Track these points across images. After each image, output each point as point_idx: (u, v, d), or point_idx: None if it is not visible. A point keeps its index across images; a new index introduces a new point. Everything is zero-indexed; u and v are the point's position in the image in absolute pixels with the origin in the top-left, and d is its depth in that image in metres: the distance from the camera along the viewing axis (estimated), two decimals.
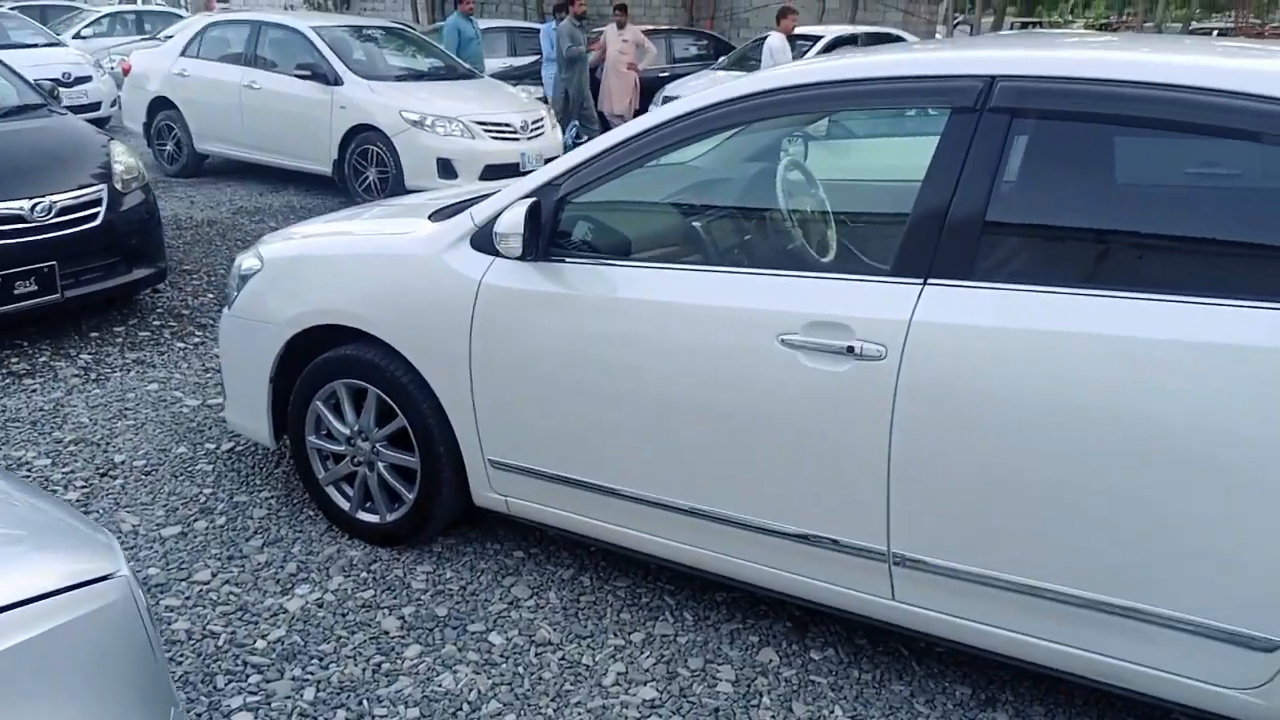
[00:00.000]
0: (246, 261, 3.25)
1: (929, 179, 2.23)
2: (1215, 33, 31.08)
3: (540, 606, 2.80)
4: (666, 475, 2.53)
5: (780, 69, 2.54)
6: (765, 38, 12.02)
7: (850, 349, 2.21)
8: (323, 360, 3.03)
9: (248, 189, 9.00)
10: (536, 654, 2.59)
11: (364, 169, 8.31)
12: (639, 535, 2.63)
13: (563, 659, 2.57)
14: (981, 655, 2.30)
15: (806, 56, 12.30)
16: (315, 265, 3.05)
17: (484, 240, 2.71)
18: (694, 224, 2.90)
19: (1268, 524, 1.86)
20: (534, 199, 2.58)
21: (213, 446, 3.74)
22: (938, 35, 24.07)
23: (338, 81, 8.33)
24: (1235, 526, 1.89)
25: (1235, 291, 1.90)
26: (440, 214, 3.03)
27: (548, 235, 2.61)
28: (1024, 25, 30.87)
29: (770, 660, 2.58)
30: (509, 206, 2.59)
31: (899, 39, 13.51)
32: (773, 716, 2.37)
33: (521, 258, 2.58)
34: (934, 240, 2.18)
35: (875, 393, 2.20)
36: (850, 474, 2.26)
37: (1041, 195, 2.25)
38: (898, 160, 3.40)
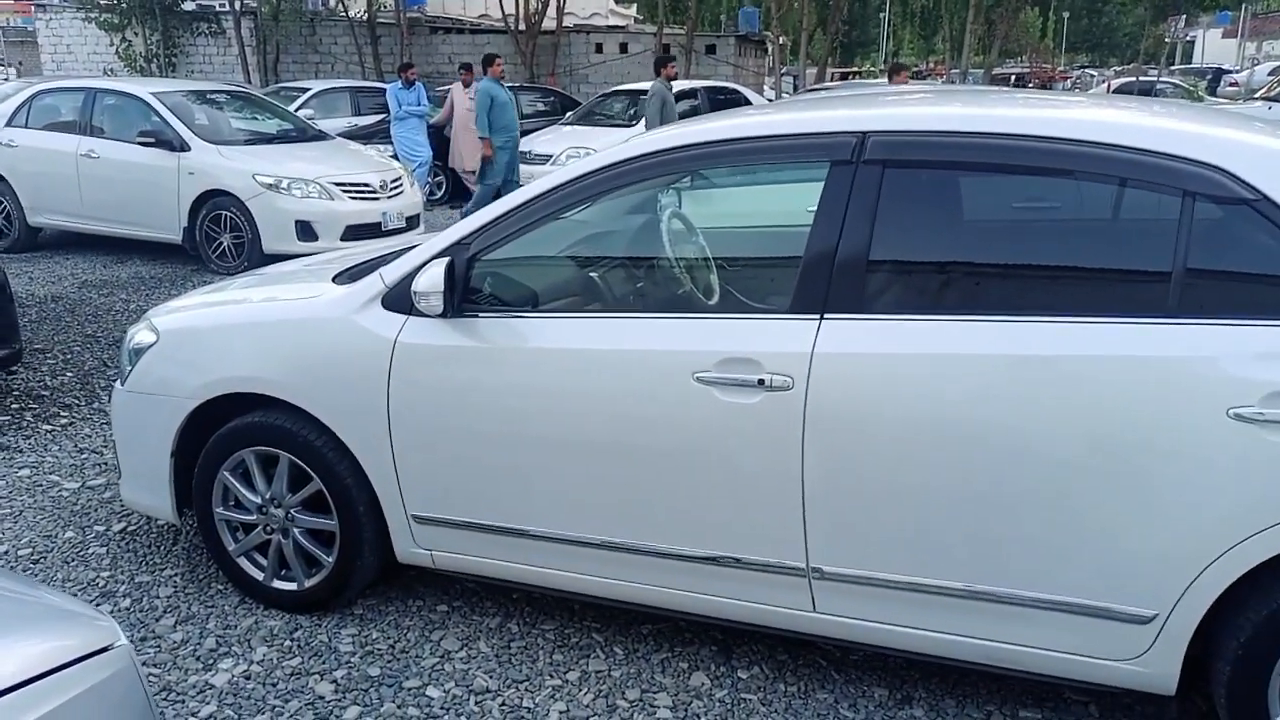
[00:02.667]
0: (139, 335, 3.19)
1: (817, 225, 2.46)
2: (1013, 77, 33.91)
3: (472, 656, 2.84)
4: (594, 515, 2.64)
5: (677, 127, 2.75)
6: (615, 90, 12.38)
7: (761, 381, 2.40)
8: (229, 430, 3.01)
9: (89, 262, 8.59)
10: (477, 702, 2.64)
11: (217, 235, 8.10)
12: (572, 576, 2.73)
13: (503, 704, 2.63)
14: (896, 656, 2.52)
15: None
16: (218, 334, 3.03)
17: (396, 300, 2.78)
18: (595, 274, 3.06)
19: (1136, 513, 2.14)
20: (449, 258, 2.68)
21: (102, 529, 3.60)
22: (765, 87, 25.32)
23: (184, 147, 8.11)
24: (1109, 517, 2.17)
25: (1096, 309, 2.20)
26: (345, 276, 3.08)
27: (460, 292, 2.71)
28: (844, 76, 32.90)
29: (702, 684, 2.71)
30: (425, 266, 2.68)
31: (736, 92, 14.19)
32: None
33: (442, 315, 2.67)
34: (826, 279, 2.41)
35: (786, 420, 2.39)
36: (769, 496, 2.45)
37: (914, 234, 2.51)
38: (763, 206, 3.68)
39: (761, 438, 2.43)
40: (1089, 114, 2.40)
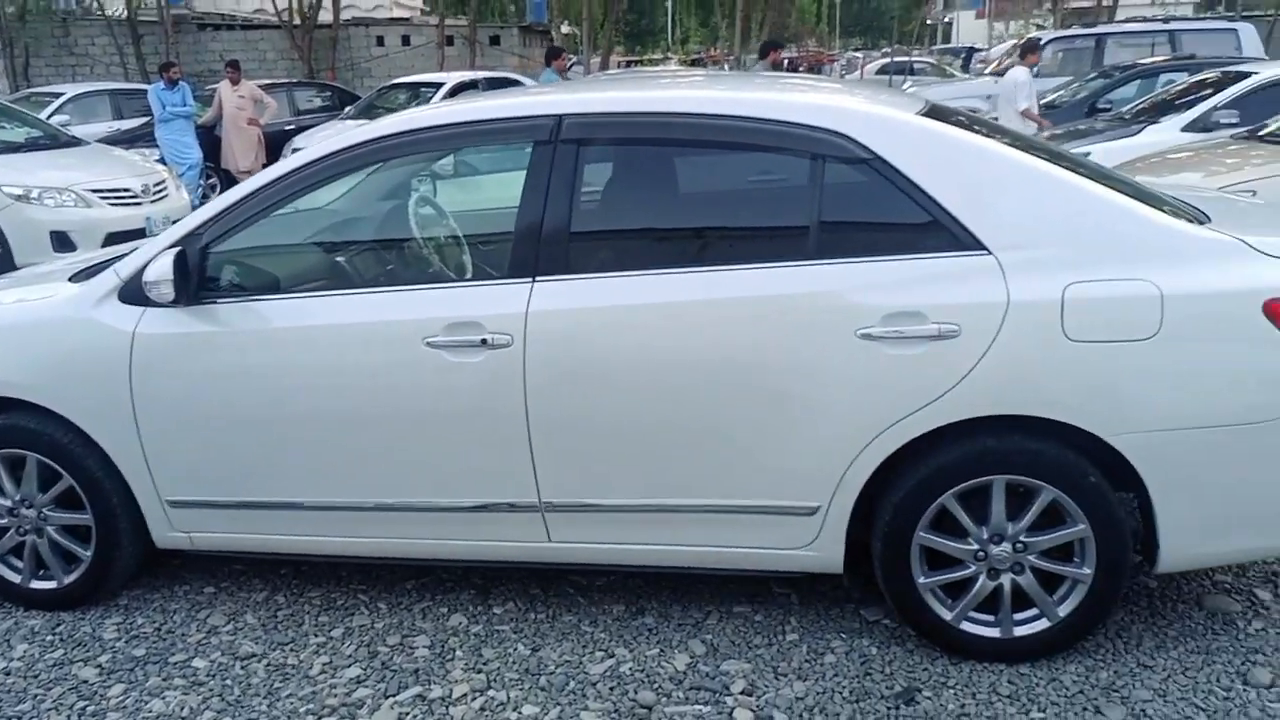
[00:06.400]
0: None
1: (525, 199, 2.76)
2: (785, 61, 35.60)
3: (239, 629, 2.98)
4: (344, 481, 2.84)
5: (402, 115, 2.96)
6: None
7: (484, 341, 2.67)
8: None
9: None
10: (242, 666, 2.79)
11: None
12: (329, 540, 2.92)
13: (268, 665, 2.80)
14: (629, 572, 2.85)
15: (431, 101, 12.79)
16: None
17: (133, 293, 2.87)
18: (336, 257, 3.24)
19: (795, 425, 2.55)
20: (179, 248, 2.79)
21: None
22: None
23: None
24: (775, 430, 2.57)
25: (754, 258, 2.59)
26: (81, 275, 3.12)
27: (196, 280, 2.82)
28: (628, 64, 33.69)
29: (460, 623, 2.97)
30: (155, 257, 2.78)
31: (517, 82, 14.38)
32: (466, 663, 2.77)
33: (174, 303, 2.78)
34: (535, 247, 2.71)
35: (509, 374, 2.68)
36: (500, 444, 2.72)
37: (609, 203, 2.86)
38: (507, 190, 3.96)
39: (488, 392, 2.70)
40: (739, 94, 2.80)
